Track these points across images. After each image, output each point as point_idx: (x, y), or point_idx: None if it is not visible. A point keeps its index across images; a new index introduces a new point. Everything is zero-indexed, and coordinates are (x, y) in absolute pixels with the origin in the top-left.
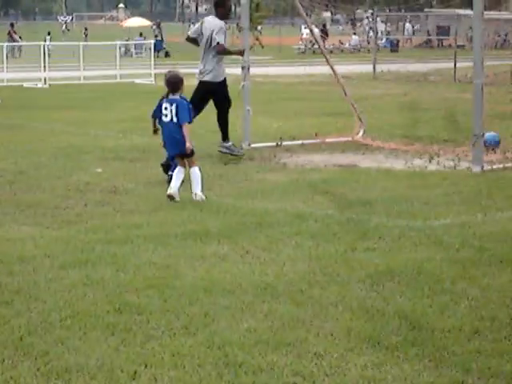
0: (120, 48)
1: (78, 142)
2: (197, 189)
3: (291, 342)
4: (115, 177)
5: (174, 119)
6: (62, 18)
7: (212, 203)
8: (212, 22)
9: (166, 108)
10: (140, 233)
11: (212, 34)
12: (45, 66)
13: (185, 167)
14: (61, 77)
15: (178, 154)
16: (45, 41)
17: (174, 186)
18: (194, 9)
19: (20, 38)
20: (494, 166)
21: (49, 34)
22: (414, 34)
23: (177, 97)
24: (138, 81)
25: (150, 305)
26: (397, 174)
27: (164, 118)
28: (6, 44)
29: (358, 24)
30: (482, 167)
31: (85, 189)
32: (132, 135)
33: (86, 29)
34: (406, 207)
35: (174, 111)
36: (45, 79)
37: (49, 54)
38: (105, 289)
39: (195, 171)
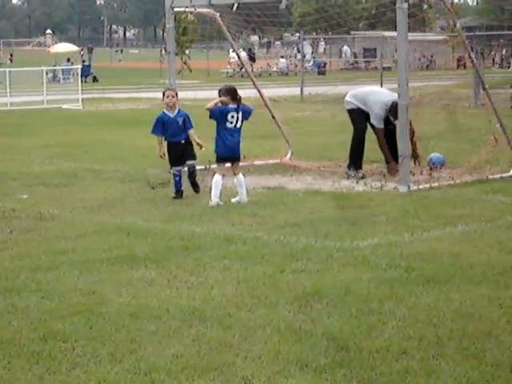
0: (47, 73)
1: (4, 168)
2: (244, 194)
3: (219, 367)
4: (41, 203)
5: (238, 125)
6: None
7: (139, 228)
8: None
9: (232, 116)
10: (65, 259)
11: None
12: None
13: (223, 176)
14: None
15: (232, 158)
16: None
17: (214, 196)
18: (121, 34)
19: None
20: (421, 186)
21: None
22: (340, 57)
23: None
24: (65, 106)
25: (76, 332)
26: (324, 195)
27: (229, 125)
28: None
29: (285, 48)
30: (409, 187)
31: (10, 215)
32: (58, 160)
33: (11, 55)
34: (333, 228)
35: (240, 117)
36: None
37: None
38: (29, 316)
39: (241, 177)
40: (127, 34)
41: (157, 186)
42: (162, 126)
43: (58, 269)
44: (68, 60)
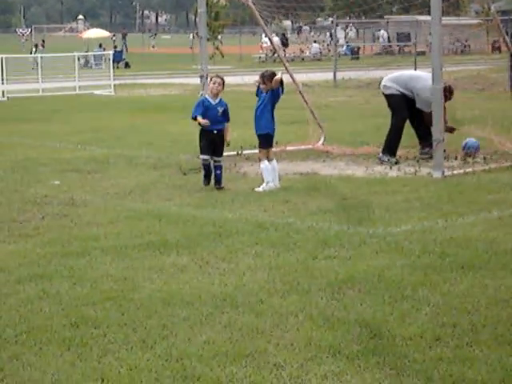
0: (79, 59)
1: (36, 155)
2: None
3: (250, 353)
4: (73, 189)
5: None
6: (20, 30)
7: (171, 213)
8: None
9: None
10: (97, 245)
11: None
12: (3, 79)
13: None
14: (19, 89)
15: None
16: (30, 53)
17: (273, 179)
18: (153, 19)
19: None
20: (455, 172)
21: (36, 46)
22: (374, 41)
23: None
24: (97, 92)
25: (107, 318)
26: (357, 180)
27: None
28: None
29: (318, 33)
30: (443, 173)
31: (42, 201)
32: (91, 146)
33: (43, 41)
34: (366, 214)
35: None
36: (3, 92)
37: (41, 66)
38: (61, 303)
39: (275, 162)
40: (159, 20)
41: (188, 171)
42: (202, 110)
43: (89, 255)
44: (100, 46)
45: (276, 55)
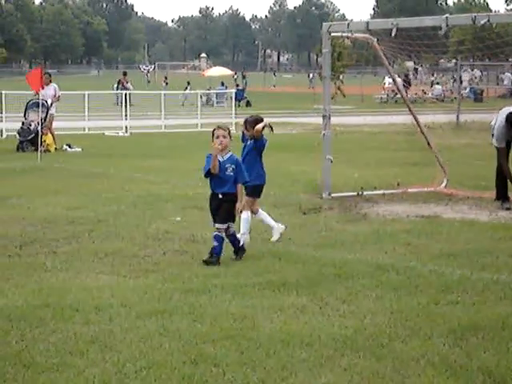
0: (201, 97)
1: (158, 191)
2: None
3: None
4: (194, 225)
5: None
6: (144, 67)
7: (291, 253)
8: None
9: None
10: (217, 282)
11: None
12: (126, 115)
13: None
14: (142, 125)
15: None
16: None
17: (246, 231)
18: (275, 58)
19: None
20: None
21: (188, 83)
22: (497, 84)
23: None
24: None
25: (227, 356)
26: (481, 225)
27: None
28: (116, 92)
29: (440, 74)
30: None
31: (163, 237)
32: None
33: (165, 77)
34: (490, 260)
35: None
36: (126, 128)
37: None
38: (181, 339)
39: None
40: (281, 59)
41: (308, 211)
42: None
43: (209, 292)
44: (222, 84)
45: (398, 96)
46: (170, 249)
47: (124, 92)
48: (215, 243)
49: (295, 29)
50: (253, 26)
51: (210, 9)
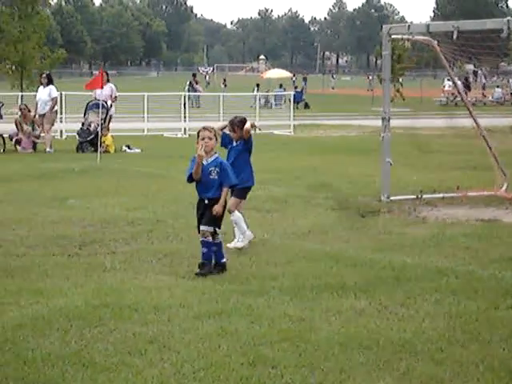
0: (260, 99)
1: None
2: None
3: None
4: (251, 227)
5: None
6: (203, 68)
7: (349, 256)
8: None
9: None
10: (275, 284)
11: None
12: (185, 117)
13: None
14: (200, 127)
15: None
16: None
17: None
18: (334, 61)
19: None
20: None
21: (257, 85)
22: None
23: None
24: (276, 132)
25: (285, 358)
26: None
27: None
28: (186, 94)
29: (501, 77)
30: None
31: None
32: (269, 186)
33: (224, 80)
34: None
35: None
36: (185, 129)
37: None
38: (239, 340)
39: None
40: (340, 61)
41: (367, 214)
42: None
43: (268, 294)
44: (280, 86)
45: (458, 99)
46: (227, 250)
47: (193, 94)
48: (204, 250)
49: (354, 31)
50: (312, 28)
51: (270, 11)
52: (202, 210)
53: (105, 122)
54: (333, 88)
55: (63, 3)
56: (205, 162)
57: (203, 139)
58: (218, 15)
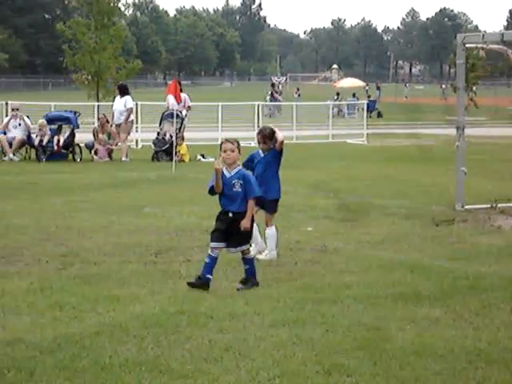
0: (333, 108)
1: (289, 200)
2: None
3: None
4: (325, 236)
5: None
6: (276, 78)
7: (423, 265)
8: None
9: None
10: (350, 293)
11: None
12: (258, 126)
13: None
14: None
15: None
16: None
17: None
18: (407, 70)
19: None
20: None
21: (338, 94)
22: None
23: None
24: (349, 141)
25: (360, 367)
26: None
27: None
28: (268, 103)
29: None
30: None
31: (295, 247)
32: (343, 194)
33: (298, 89)
34: None
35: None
36: None
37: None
38: (314, 349)
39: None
40: (413, 70)
41: (441, 223)
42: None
43: (342, 302)
44: (353, 95)
45: None
46: (301, 258)
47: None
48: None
49: (428, 40)
50: (385, 38)
51: (342, 20)
52: (226, 225)
53: (180, 131)
54: (406, 97)
55: (138, 14)
56: (227, 175)
57: (225, 151)
58: (291, 25)
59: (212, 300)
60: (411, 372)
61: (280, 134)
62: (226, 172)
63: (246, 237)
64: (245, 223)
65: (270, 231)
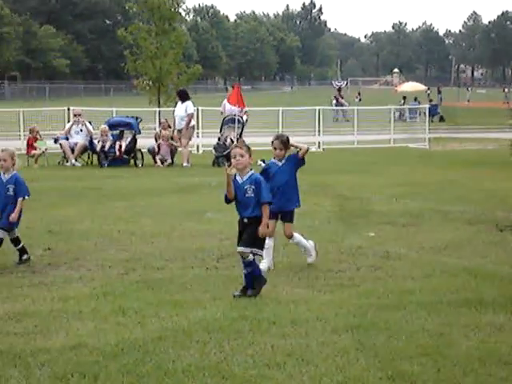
0: (394, 112)
1: (351, 206)
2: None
3: None
4: (387, 241)
5: None
6: (336, 82)
7: (487, 271)
8: None
9: None
10: (413, 299)
11: None
12: (319, 131)
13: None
14: (334, 141)
15: None
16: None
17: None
18: (469, 73)
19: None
20: None
21: (404, 98)
22: None
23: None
24: (412, 145)
25: (424, 374)
26: None
27: None
28: (334, 108)
29: None
30: None
31: (357, 253)
32: (405, 200)
33: (359, 93)
34: None
35: None
36: (319, 143)
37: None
38: (377, 355)
39: None
40: (475, 74)
41: (505, 228)
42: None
43: (405, 308)
44: (415, 99)
45: None
46: (363, 264)
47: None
48: (244, 271)
49: (490, 43)
50: (446, 41)
51: (404, 24)
52: (241, 229)
53: (240, 136)
54: (468, 101)
55: (199, 19)
56: (240, 181)
57: (234, 157)
58: (352, 29)
59: (274, 306)
60: (475, 379)
61: (305, 145)
62: (238, 178)
63: (253, 240)
64: (261, 229)
65: (298, 235)
